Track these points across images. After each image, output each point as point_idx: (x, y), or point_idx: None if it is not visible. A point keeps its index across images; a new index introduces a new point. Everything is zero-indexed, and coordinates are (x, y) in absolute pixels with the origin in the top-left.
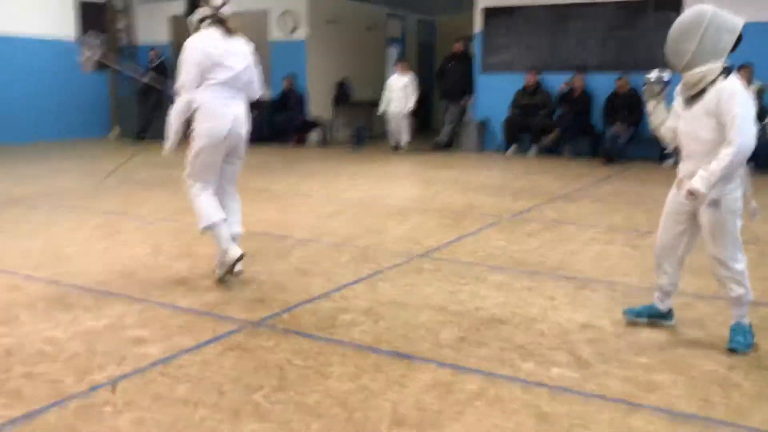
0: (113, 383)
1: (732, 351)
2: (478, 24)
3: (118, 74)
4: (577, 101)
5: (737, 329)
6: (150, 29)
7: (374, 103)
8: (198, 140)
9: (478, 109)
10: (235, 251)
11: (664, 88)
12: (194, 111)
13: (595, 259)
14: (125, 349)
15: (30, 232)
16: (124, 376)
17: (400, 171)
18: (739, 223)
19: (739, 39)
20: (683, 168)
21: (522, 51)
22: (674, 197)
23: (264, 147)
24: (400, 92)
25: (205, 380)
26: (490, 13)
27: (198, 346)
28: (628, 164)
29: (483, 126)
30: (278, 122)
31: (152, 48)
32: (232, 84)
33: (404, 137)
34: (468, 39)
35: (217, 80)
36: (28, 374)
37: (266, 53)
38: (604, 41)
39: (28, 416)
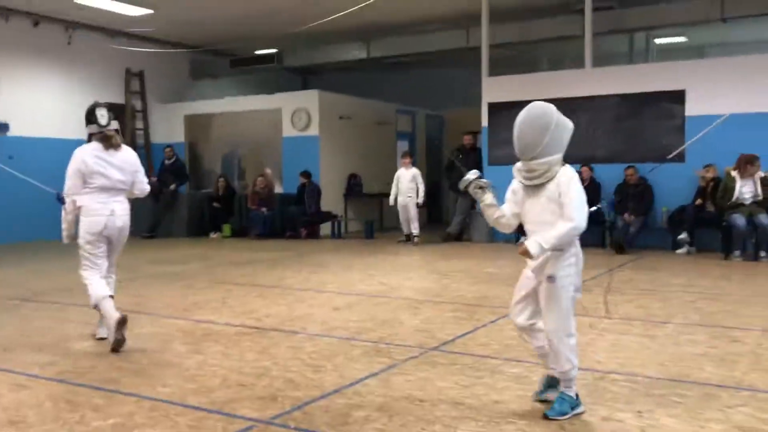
0: None
1: (545, 417)
2: (484, 118)
3: None
4: (586, 191)
5: (560, 399)
6: (166, 129)
7: (385, 195)
8: (82, 234)
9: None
10: (117, 315)
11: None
12: (78, 210)
13: (611, 350)
14: None
15: (41, 330)
16: None
17: (412, 262)
18: (572, 299)
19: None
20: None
21: None
22: (522, 276)
23: (276, 241)
24: (409, 184)
25: None
26: (494, 108)
27: None
28: (640, 253)
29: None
30: (292, 215)
31: (168, 146)
32: (109, 188)
33: (415, 228)
34: (477, 132)
35: (95, 185)
36: None
37: (279, 148)
38: (611, 132)
39: None
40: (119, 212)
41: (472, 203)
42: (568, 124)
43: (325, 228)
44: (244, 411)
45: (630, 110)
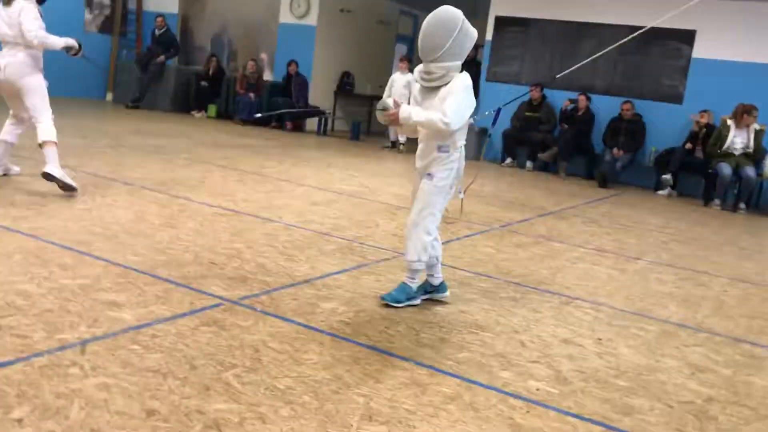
0: (83, 344)
1: (382, 299)
2: (489, 32)
3: (121, 38)
4: (580, 120)
5: (400, 287)
6: None
7: (377, 98)
8: None
9: (480, 117)
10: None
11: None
12: None
13: (582, 278)
14: (99, 311)
15: (17, 184)
16: (95, 339)
17: (394, 169)
18: (442, 200)
19: (475, 49)
20: (418, 150)
21: (530, 64)
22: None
23: (261, 129)
24: (402, 90)
25: (178, 353)
26: (502, 22)
27: (174, 318)
28: (623, 189)
29: (483, 134)
30: (278, 105)
31: (159, 15)
32: (5, 41)
33: (402, 135)
34: (478, 46)
35: None
36: None
37: (274, 34)
38: (614, 65)
39: None
40: (5, 63)
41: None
42: (473, 33)
43: (311, 123)
44: (212, 288)
45: (635, 44)
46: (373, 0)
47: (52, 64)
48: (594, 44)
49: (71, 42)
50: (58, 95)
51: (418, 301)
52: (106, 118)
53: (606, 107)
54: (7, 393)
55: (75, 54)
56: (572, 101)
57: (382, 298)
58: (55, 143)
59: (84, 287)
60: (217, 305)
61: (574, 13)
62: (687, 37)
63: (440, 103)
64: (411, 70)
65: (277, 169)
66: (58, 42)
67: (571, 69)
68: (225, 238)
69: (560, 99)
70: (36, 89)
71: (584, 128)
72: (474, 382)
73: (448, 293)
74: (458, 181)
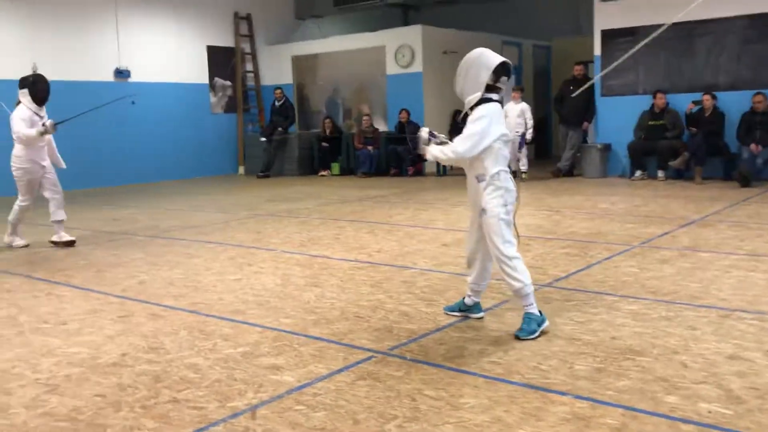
0: (253, 410)
1: (517, 338)
2: (597, 47)
3: (245, 114)
4: (709, 121)
5: (525, 319)
6: (274, 70)
7: None
8: None
9: (600, 133)
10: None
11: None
12: None
13: (738, 288)
14: (262, 376)
15: (172, 264)
16: (263, 403)
17: (521, 199)
18: (506, 226)
19: (506, 71)
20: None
21: (644, 72)
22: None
23: (382, 179)
24: (517, 119)
25: (340, 408)
26: (609, 35)
27: (331, 374)
28: (767, 186)
29: (606, 150)
30: (396, 153)
31: (278, 88)
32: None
33: (523, 165)
34: (588, 62)
35: None
36: (174, 399)
37: (383, 87)
38: (737, 57)
39: None
40: (13, 157)
41: (584, 137)
42: (487, 63)
43: (430, 165)
44: (362, 342)
45: (759, 32)
46: (473, 35)
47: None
48: (709, 41)
49: (41, 129)
50: (195, 176)
51: (547, 324)
52: (241, 191)
53: (734, 103)
54: None
55: (49, 132)
56: (696, 103)
57: (517, 337)
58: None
59: (246, 354)
60: (368, 358)
61: (681, 13)
62: None
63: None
64: (524, 99)
65: (404, 216)
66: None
67: (605, 70)
68: (366, 290)
69: (683, 103)
70: None
71: (714, 128)
72: (639, 411)
73: (482, 314)
74: (514, 205)
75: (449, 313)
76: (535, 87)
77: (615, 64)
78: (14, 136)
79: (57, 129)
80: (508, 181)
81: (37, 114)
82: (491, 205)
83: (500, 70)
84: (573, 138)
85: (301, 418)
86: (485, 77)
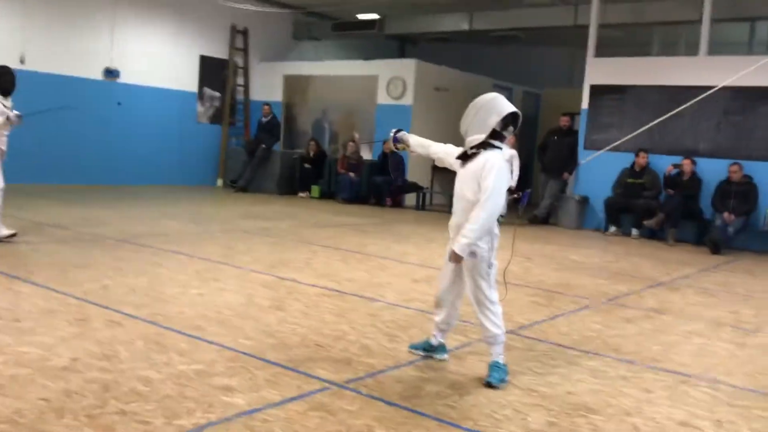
0: (199, 431)
1: (488, 385)
2: (585, 100)
3: (230, 127)
4: (687, 185)
5: (493, 366)
6: (265, 87)
7: None
8: None
9: (579, 186)
10: None
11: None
12: None
13: (698, 354)
14: (213, 396)
15: (138, 271)
16: (210, 424)
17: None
18: (486, 267)
19: (515, 122)
20: (451, 221)
21: (628, 130)
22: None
23: (361, 207)
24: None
25: None
26: (598, 90)
27: (283, 402)
28: (737, 255)
29: (583, 203)
30: (377, 183)
31: (266, 104)
32: None
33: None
34: (574, 114)
35: None
36: (122, 411)
37: (372, 116)
38: (718, 126)
39: None
40: None
41: (563, 187)
42: (498, 108)
43: (410, 198)
44: (319, 372)
45: (742, 105)
46: (466, 75)
47: (168, 156)
48: (696, 107)
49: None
50: (173, 183)
51: (506, 374)
52: (217, 204)
53: (712, 170)
54: None
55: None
56: (676, 166)
57: (489, 384)
58: None
59: (199, 372)
60: (324, 389)
61: (672, 77)
62: None
63: (472, 180)
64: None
65: (378, 247)
66: None
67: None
68: (330, 319)
69: (662, 164)
70: None
71: (691, 193)
72: None
73: (446, 356)
74: (495, 249)
75: (413, 351)
76: (521, 133)
77: (660, 119)
78: None
79: (22, 121)
80: (496, 227)
81: (2, 104)
82: (480, 249)
83: (509, 119)
84: (552, 187)
85: None
86: (493, 122)
